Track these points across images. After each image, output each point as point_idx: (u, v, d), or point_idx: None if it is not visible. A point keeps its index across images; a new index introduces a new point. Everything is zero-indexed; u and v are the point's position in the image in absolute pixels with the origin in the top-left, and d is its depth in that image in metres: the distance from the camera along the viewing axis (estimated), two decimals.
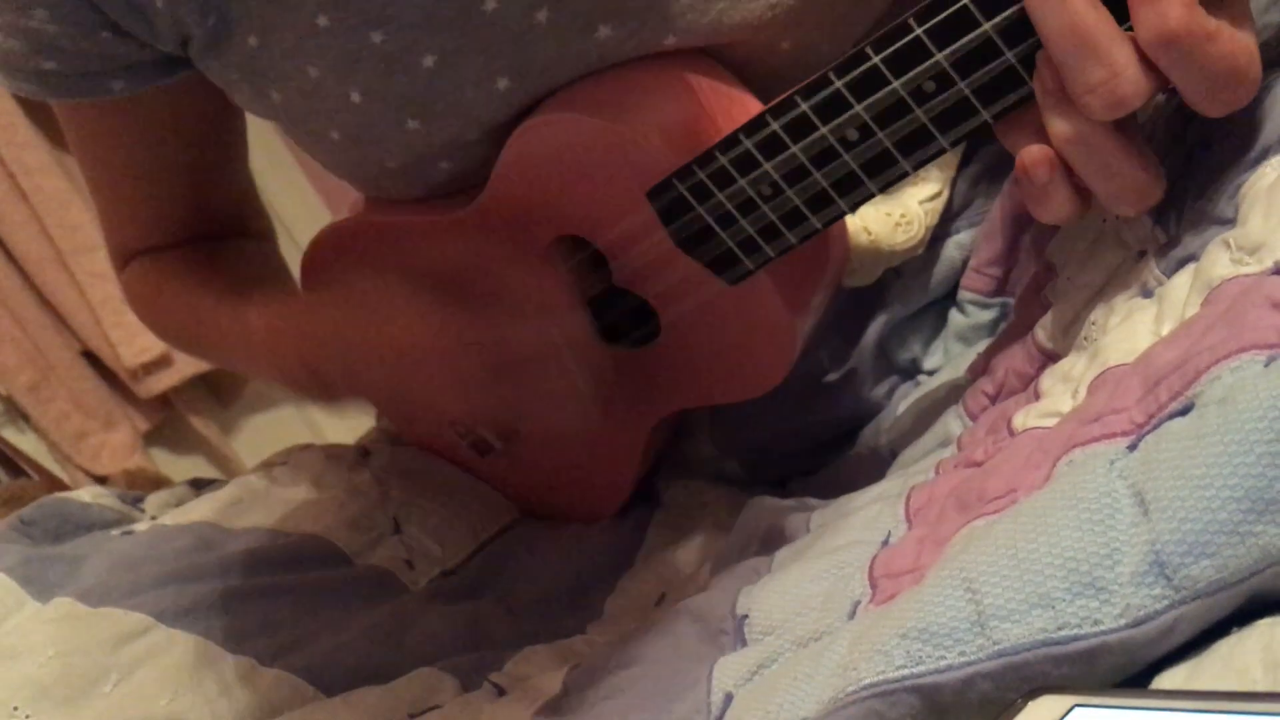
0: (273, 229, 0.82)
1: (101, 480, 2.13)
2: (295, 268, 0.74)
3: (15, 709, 0.56)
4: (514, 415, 0.60)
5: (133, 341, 2.11)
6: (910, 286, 0.70)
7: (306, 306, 0.63)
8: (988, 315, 0.69)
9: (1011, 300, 0.68)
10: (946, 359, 0.71)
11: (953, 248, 0.70)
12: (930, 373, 0.72)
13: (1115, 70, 0.42)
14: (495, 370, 0.56)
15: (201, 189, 0.73)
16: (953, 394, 0.63)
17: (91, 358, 2.19)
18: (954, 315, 0.70)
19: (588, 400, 0.60)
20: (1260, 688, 0.29)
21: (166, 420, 2.31)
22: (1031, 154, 0.46)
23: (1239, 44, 0.41)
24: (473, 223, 0.62)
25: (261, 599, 0.63)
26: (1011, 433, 0.47)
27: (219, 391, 2.35)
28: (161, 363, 2.17)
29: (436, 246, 0.65)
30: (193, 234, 0.75)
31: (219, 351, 0.73)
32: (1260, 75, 0.42)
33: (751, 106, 0.57)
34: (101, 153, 0.70)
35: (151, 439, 2.30)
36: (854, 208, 0.53)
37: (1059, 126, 0.45)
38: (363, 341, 0.57)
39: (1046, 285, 0.59)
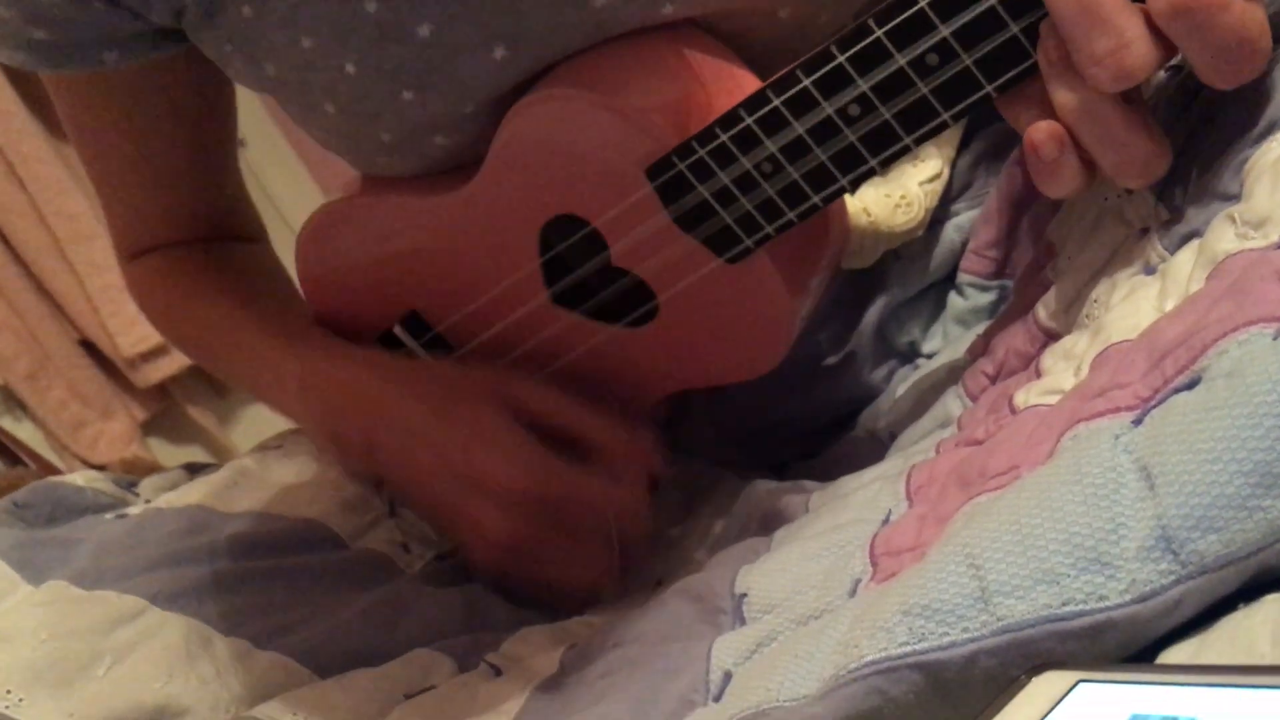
0: (264, 227, 0.82)
1: (99, 470, 2.12)
2: (289, 252, 0.73)
3: (8, 692, 0.55)
4: (535, 558, 0.62)
5: (130, 331, 2.11)
6: (909, 269, 0.70)
7: (376, 382, 0.64)
8: (987, 298, 0.69)
9: (1010, 283, 0.67)
10: (945, 342, 0.70)
11: (952, 230, 0.69)
12: (929, 356, 0.71)
13: (1123, 41, 0.42)
14: (544, 522, 0.59)
15: (197, 172, 0.73)
16: (952, 375, 0.63)
17: (89, 347, 2.19)
18: (953, 298, 0.70)
19: (609, 571, 0.62)
20: (1268, 662, 0.29)
21: (164, 410, 2.30)
22: (1039, 130, 0.46)
23: (1250, 14, 0.41)
24: (468, 202, 0.62)
25: (256, 582, 0.63)
26: (1013, 411, 0.47)
27: (217, 381, 2.34)
28: (159, 352, 2.17)
29: (432, 228, 0.64)
30: (196, 227, 0.75)
31: (235, 377, 0.75)
32: (1270, 47, 0.42)
33: (750, 83, 0.57)
34: (94, 129, 0.69)
35: (149, 428, 2.29)
36: (855, 185, 0.53)
37: (1064, 97, 0.44)
38: (436, 447, 0.60)
39: (1047, 265, 0.58)
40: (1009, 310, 0.62)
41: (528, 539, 0.60)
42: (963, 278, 0.69)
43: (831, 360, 0.71)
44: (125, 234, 0.77)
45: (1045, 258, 0.59)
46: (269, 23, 0.57)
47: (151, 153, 0.71)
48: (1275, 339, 0.33)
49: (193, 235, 0.77)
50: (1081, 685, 0.30)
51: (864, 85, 0.49)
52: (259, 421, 2.33)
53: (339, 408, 0.65)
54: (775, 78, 0.51)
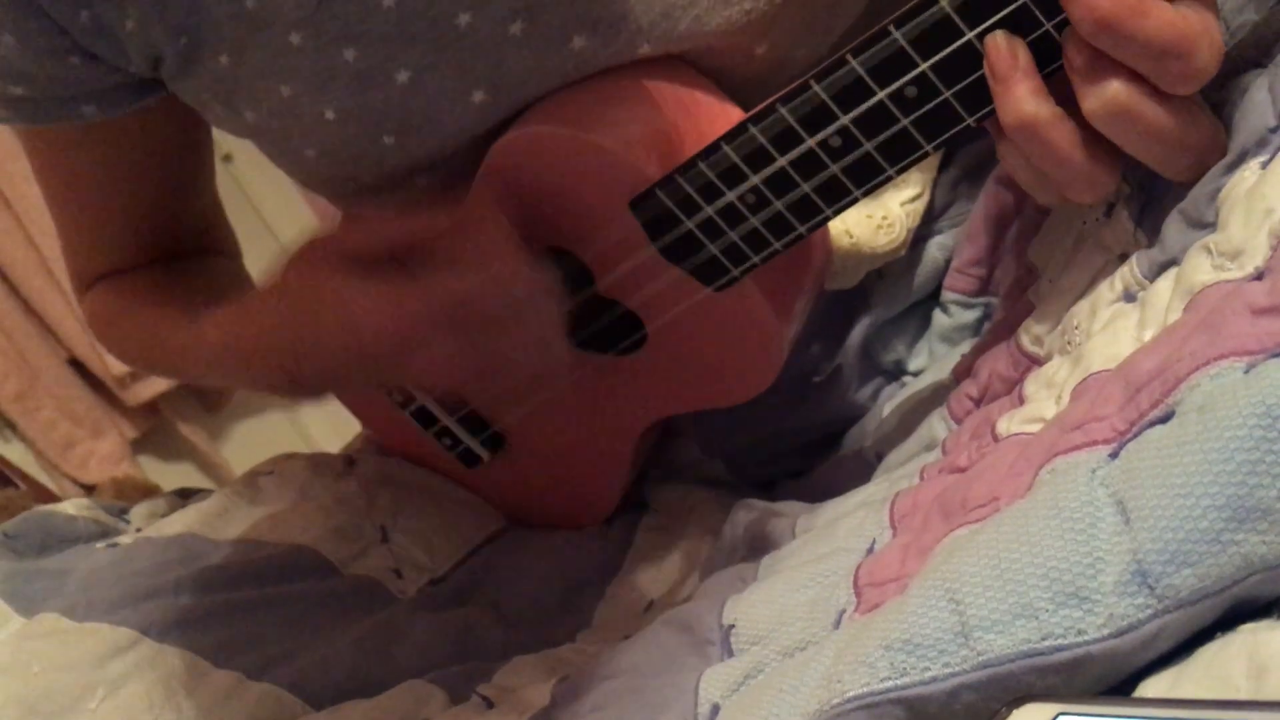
0: (238, 247, 0.81)
1: (89, 489, 2.12)
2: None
3: None
4: (488, 375, 0.57)
5: None
6: (893, 288, 0.71)
7: (257, 314, 0.59)
8: (971, 315, 0.69)
9: (994, 300, 0.68)
10: (931, 360, 0.71)
11: (935, 248, 0.70)
12: (915, 374, 0.72)
13: (1059, 159, 0.46)
14: (456, 330, 0.54)
15: (168, 210, 0.72)
16: (937, 396, 0.63)
17: (78, 366, 2.18)
18: (938, 316, 0.70)
19: (554, 340, 0.57)
20: (1243, 695, 0.29)
21: (154, 428, 2.30)
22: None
23: (1178, 14, 0.42)
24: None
25: (248, 611, 0.63)
26: (995, 438, 0.47)
27: (207, 398, 2.34)
28: None
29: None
30: (157, 255, 0.74)
31: (182, 370, 0.71)
32: (1219, 49, 0.42)
33: (732, 114, 0.57)
34: (68, 176, 0.68)
35: (139, 446, 2.29)
36: (839, 214, 0.53)
37: (1008, 115, 0.46)
38: (319, 338, 0.55)
39: (1029, 287, 0.59)
40: (992, 332, 0.62)
41: (455, 356, 0.55)
42: (947, 295, 0.70)
43: (818, 379, 0.71)
44: (84, 268, 0.75)
45: (1027, 279, 0.60)
46: (247, 71, 0.57)
47: (124, 190, 0.70)
48: (1247, 373, 0.33)
49: (156, 260, 0.75)
50: (1061, 718, 0.30)
51: (844, 119, 0.49)
52: (250, 437, 2.33)
53: (256, 358, 0.59)
54: (756, 110, 0.51)
